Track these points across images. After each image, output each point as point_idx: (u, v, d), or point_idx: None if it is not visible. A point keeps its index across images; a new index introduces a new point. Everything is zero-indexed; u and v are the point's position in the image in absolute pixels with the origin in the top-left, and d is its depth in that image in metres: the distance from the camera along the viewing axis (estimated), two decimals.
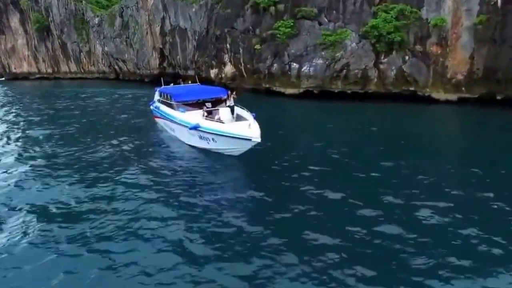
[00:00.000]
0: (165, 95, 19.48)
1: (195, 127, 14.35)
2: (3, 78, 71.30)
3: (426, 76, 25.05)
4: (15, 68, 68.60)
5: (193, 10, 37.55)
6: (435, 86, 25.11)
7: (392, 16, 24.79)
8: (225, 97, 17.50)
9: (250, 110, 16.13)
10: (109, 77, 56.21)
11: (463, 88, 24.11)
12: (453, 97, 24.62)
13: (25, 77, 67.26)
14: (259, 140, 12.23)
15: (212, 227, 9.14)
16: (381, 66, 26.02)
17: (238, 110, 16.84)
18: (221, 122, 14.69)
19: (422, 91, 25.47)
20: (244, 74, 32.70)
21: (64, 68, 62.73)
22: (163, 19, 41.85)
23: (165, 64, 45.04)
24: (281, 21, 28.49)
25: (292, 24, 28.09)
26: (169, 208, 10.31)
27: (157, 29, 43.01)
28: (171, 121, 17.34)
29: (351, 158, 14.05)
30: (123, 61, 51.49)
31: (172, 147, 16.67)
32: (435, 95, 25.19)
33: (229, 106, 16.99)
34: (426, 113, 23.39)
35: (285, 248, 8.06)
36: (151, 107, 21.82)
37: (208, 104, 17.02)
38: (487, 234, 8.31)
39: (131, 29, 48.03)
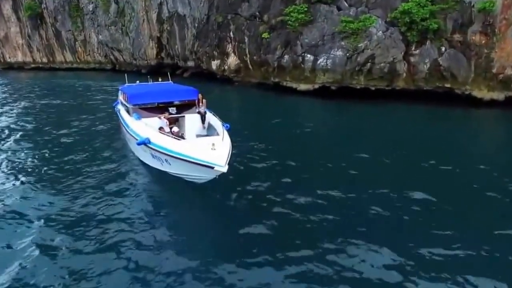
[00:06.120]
0: (125, 95, 15.46)
1: (144, 143, 10.68)
2: None
3: (466, 71, 21.16)
4: (9, 58, 65.55)
5: None
6: (476, 83, 21.23)
7: None
8: (196, 100, 13.52)
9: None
10: (106, 68, 52.86)
11: None
12: (499, 96, 20.76)
13: (20, 66, 64.24)
14: (224, 170, 8.41)
15: None
16: (412, 59, 22.15)
17: (210, 117, 13.18)
18: (179, 137, 11.07)
19: (461, 88, 21.61)
20: (250, 66, 29.11)
21: (59, 57, 59.41)
22: (160, 4, 38.01)
23: (162, 54, 41.41)
24: (293, 6, 24.77)
25: (306, 9, 24.32)
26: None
27: (154, 16, 39.21)
28: (125, 129, 13.59)
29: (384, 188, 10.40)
30: (119, 50, 47.81)
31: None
32: (476, 93, 21.30)
33: (199, 113, 13.24)
34: (467, 115, 19.66)
35: None
36: (115, 109, 17.66)
37: (172, 109, 13.26)
38: None
39: (127, 16, 44.19)
